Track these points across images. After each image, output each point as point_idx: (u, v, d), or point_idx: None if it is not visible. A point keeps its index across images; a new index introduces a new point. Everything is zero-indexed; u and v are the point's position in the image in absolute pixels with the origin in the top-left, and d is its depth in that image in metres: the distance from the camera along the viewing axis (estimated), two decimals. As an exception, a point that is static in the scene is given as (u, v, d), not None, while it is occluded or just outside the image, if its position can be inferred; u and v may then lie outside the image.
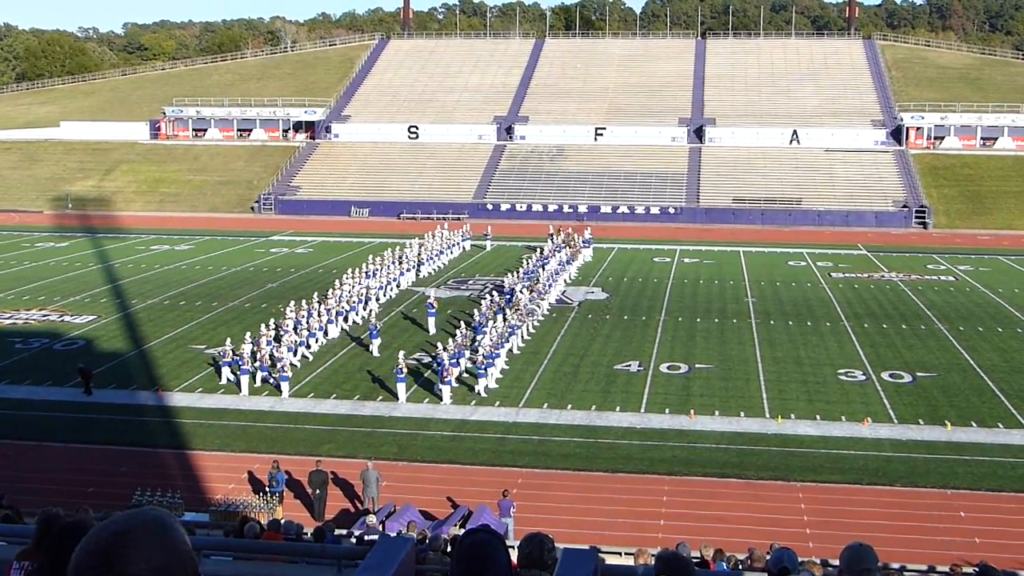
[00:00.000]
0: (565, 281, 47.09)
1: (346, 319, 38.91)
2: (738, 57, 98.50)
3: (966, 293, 46.54)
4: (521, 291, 40.58)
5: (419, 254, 50.75)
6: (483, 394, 29.75)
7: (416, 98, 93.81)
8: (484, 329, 34.12)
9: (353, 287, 40.99)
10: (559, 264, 47.68)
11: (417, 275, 49.03)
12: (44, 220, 74.36)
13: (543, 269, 45.58)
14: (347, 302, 39.31)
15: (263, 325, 34.45)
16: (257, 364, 31.35)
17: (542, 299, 40.65)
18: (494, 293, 39.73)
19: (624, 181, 78.54)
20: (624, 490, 22.84)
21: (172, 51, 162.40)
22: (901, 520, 21.12)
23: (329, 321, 37.07)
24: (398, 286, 46.00)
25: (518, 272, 44.78)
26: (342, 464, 24.09)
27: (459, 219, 70.11)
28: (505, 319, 35.50)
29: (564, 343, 36.28)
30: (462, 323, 35.56)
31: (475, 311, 37.66)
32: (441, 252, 53.89)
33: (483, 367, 30.15)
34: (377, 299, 42.66)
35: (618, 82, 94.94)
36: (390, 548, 4.78)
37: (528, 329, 36.72)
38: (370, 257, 47.21)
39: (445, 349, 30.56)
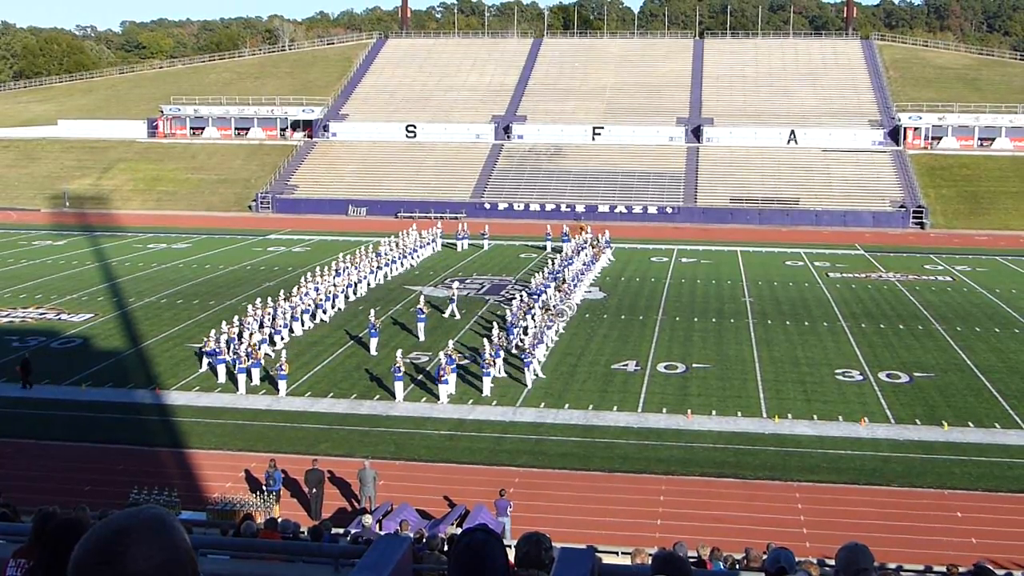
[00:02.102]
0: (592, 281, 47.19)
1: (313, 317, 39.12)
2: (736, 57, 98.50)
3: (963, 293, 46.58)
4: (550, 292, 40.91)
5: (391, 252, 50.90)
6: (486, 393, 29.77)
7: (414, 97, 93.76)
8: (515, 330, 34.22)
9: (319, 285, 41.10)
10: (584, 264, 47.86)
11: (388, 273, 49.00)
12: (41, 218, 74.28)
13: (567, 270, 45.79)
14: (312, 300, 39.47)
15: (224, 322, 34.53)
16: (245, 358, 31.29)
17: (569, 299, 40.83)
18: (523, 294, 40.05)
19: (622, 181, 78.54)
20: (621, 490, 22.86)
21: (170, 49, 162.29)
22: (898, 520, 21.14)
23: (294, 318, 37.30)
24: (368, 285, 46.07)
25: (543, 272, 44.85)
26: (339, 463, 24.10)
27: (456, 218, 70.06)
28: (534, 319, 35.75)
29: (561, 342, 36.26)
30: (495, 324, 35.50)
31: (507, 312, 37.89)
32: (415, 250, 54.08)
33: (487, 370, 30.15)
34: (347, 297, 42.89)
35: (616, 82, 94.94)
36: (387, 547, 4.78)
37: (558, 330, 36.69)
38: (340, 255, 47.38)
39: (484, 348, 30.61)
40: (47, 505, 5.51)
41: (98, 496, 20.86)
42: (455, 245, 59.44)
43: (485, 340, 32.77)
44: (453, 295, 41.75)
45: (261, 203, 78.51)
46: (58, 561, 3.12)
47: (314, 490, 22.00)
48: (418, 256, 54.31)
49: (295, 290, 40.09)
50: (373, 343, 34.89)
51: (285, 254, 57.26)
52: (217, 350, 31.91)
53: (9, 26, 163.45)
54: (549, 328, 35.12)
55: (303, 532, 16.11)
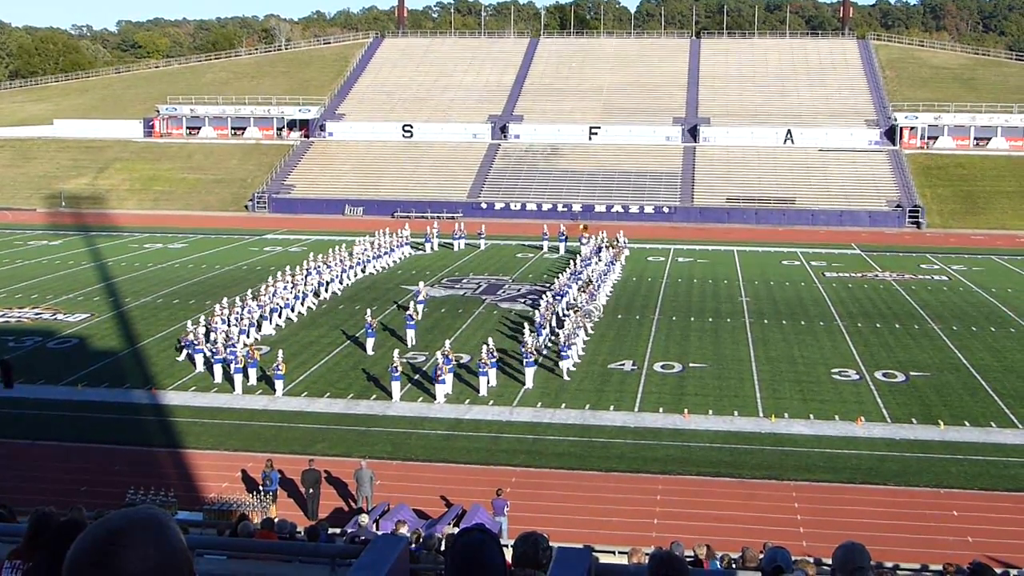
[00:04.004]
0: (613, 282, 47.21)
1: (281, 316, 39.25)
2: (732, 57, 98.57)
3: (959, 293, 46.63)
4: (573, 293, 41.13)
5: (366, 251, 50.95)
6: (483, 393, 29.79)
7: (411, 97, 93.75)
8: (543, 331, 34.30)
9: (288, 284, 41.18)
10: (606, 265, 47.97)
11: (362, 272, 49.08)
12: (37, 218, 74.17)
13: (588, 270, 46.04)
14: (281, 299, 39.57)
15: (189, 322, 34.59)
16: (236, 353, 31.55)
17: (594, 300, 40.94)
18: (549, 295, 40.22)
19: (618, 180, 78.56)
20: (618, 489, 22.86)
21: (166, 49, 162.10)
22: (894, 519, 21.17)
23: (263, 317, 37.47)
24: (340, 283, 46.15)
25: (566, 273, 44.90)
26: (336, 463, 24.09)
27: (453, 218, 70.02)
28: (561, 321, 35.98)
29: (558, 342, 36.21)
30: (525, 325, 35.36)
31: (535, 313, 37.91)
32: (392, 250, 54.20)
33: (483, 370, 30.30)
34: (317, 295, 43.05)
35: (613, 81, 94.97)
36: (384, 547, 4.77)
37: (586, 331, 36.66)
38: (311, 255, 47.54)
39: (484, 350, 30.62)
40: (43, 506, 5.50)
41: (94, 496, 20.83)
42: (452, 245, 59.46)
43: (489, 341, 32.77)
44: (419, 293, 41.35)
45: (257, 203, 78.47)
46: (57, 563, 3.11)
47: (311, 490, 21.98)
48: (393, 256, 54.24)
49: (263, 288, 40.16)
50: (370, 343, 34.89)
51: (281, 254, 57.18)
52: (196, 343, 32.76)
53: (4, 25, 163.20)
54: (579, 329, 35.19)
55: (300, 532, 16.10)
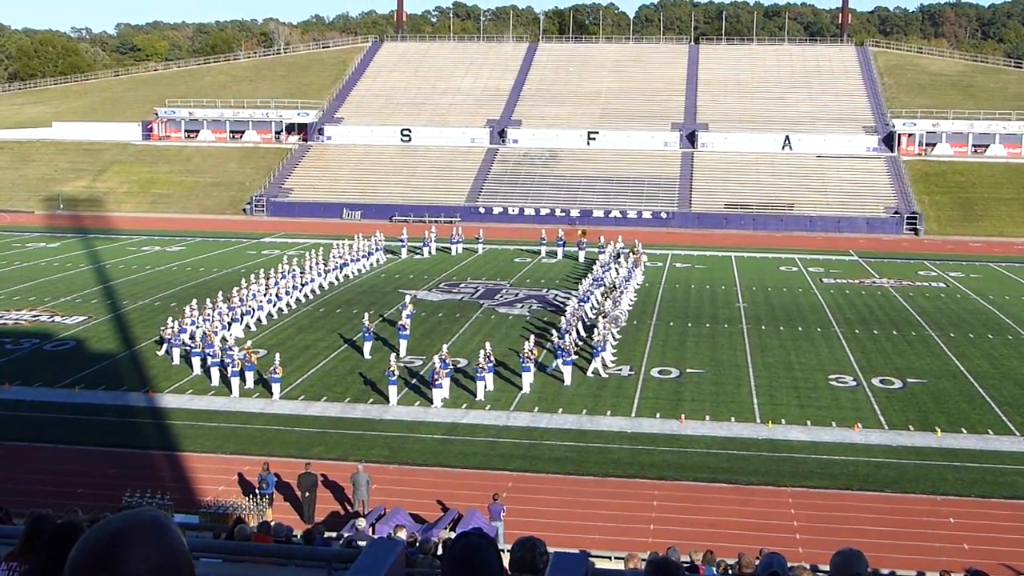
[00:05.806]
0: (635, 288, 47.21)
1: (253, 317, 39.30)
2: (731, 62, 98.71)
3: (957, 300, 46.67)
4: (600, 299, 41.39)
5: (344, 255, 50.96)
6: (480, 398, 29.78)
7: (409, 101, 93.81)
8: (567, 336, 34.49)
9: (260, 288, 41.14)
10: (628, 270, 48.03)
11: (339, 278, 49.10)
12: (35, 220, 74.11)
13: (608, 275, 46.19)
14: (253, 302, 39.62)
15: (176, 324, 34.77)
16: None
17: (619, 305, 40.97)
18: (574, 301, 40.34)
19: (616, 185, 78.63)
20: (614, 494, 22.85)
21: (165, 52, 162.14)
22: (891, 526, 21.17)
23: (233, 320, 37.52)
24: (320, 287, 46.18)
25: (588, 279, 44.83)
26: (332, 467, 24.07)
27: (450, 222, 70.05)
28: (587, 326, 36.38)
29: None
30: (553, 332, 35.27)
31: (562, 319, 37.80)
32: (369, 254, 54.24)
33: (480, 374, 30.30)
34: (297, 300, 43.09)
35: (611, 86, 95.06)
36: (380, 551, 4.77)
37: (613, 336, 36.63)
38: (285, 257, 47.53)
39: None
40: (39, 508, 5.50)
41: (91, 499, 20.81)
42: (449, 249, 59.46)
43: (490, 344, 32.77)
44: (407, 305, 40.88)
45: (255, 206, 78.47)
46: (56, 565, 3.11)
47: (307, 494, 21.96)
48: (370, 261, 54.17)
49: (235, 291, 40.13)
50: (367, 347, 34.87)
51: (279, 257, 57.09)
52: (193, 345, 33.11)
53: (3, 28, 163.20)
54: (607, 334, 35.21)
55: (296, 536, 16.10)
